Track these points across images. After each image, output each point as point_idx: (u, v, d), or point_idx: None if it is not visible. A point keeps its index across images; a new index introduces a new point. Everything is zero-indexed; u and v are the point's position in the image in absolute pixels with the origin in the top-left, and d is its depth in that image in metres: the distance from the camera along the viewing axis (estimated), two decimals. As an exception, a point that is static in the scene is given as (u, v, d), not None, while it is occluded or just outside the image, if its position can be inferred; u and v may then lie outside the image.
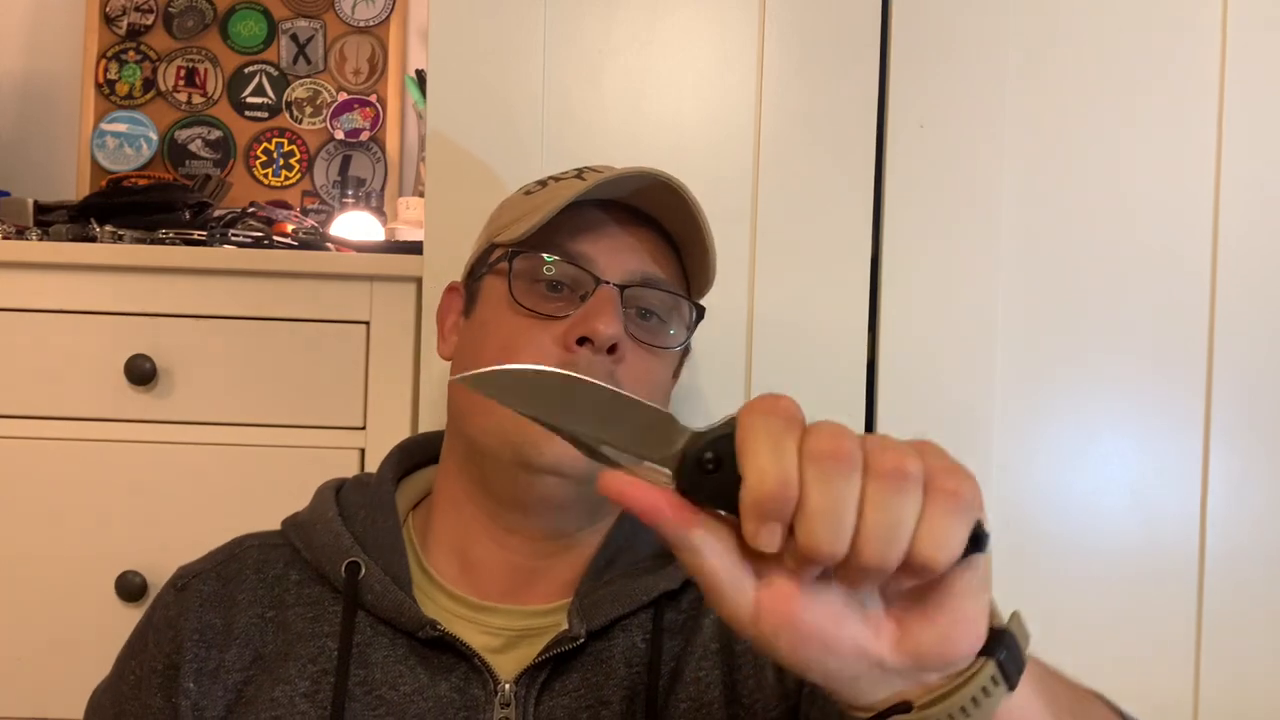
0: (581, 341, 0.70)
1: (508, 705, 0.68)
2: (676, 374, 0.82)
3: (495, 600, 0.74)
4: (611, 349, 0.70)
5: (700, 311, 0.78)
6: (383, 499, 0.77)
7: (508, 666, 0.70)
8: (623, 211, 0.76)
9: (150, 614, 0.76)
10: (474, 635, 0.71)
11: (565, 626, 0.70)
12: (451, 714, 0.68)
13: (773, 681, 0.71)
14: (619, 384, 0.70)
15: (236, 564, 0.76)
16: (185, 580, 0.75)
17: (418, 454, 0.83)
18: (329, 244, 1.24)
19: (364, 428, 1.11)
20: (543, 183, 0.78)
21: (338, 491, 0.79)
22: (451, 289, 0.82)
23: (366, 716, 0.68)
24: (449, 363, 0.81)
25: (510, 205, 0.80)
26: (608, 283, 0.72)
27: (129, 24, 1.65)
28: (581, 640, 0.69)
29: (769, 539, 0.40)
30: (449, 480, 0.78)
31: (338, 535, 0.74)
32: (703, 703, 0.70)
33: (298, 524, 0.77)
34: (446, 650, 0.70)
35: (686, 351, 0.82)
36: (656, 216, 0.77)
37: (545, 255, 0.73)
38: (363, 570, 0.71)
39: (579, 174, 0.77)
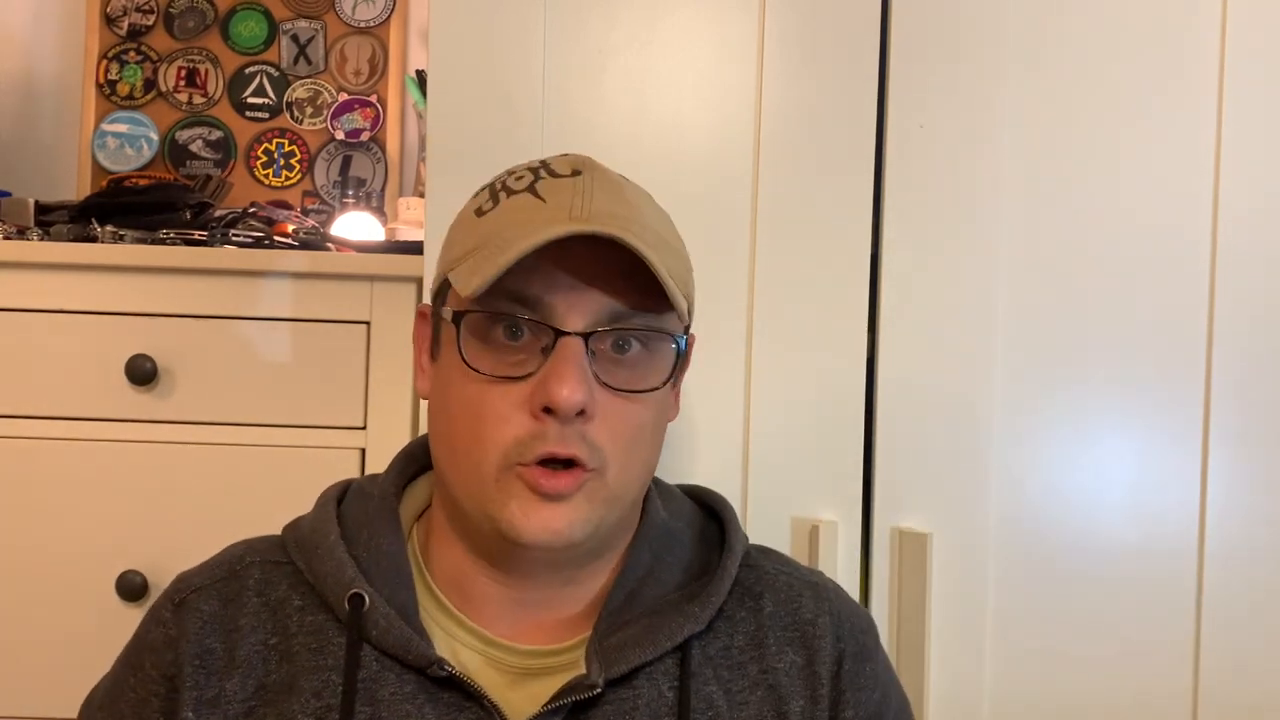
0: (549, 409, 0.64)
1: None
2: (676, 384, 0.75)
3: (505, 638, 0.70)
4: (580, 411, 0.64)
5: (681, 343, 0.70)
6: (387, 515, 0.73)
7: (519, 704, 0.66)
8: (584, 237, 0.66)
9: (146, 629, 0.72)
10: (483, 669, 0.68)
11: (581, 669, 0.67)
12: None
13: None
14: (595, 444, 0.65)
15: (237, 584, 0.71)
16: (183, 595, 0.71)
17: (422, 457, 0.78)
18: (329, 244, 1.24)
19: (364, 428, 1.11)
20: (495, 195, 0.70)
21: (339, 502, 0.75)
22: (421, 315, 0.76)
23: None
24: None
25: (463, 227, 0.71)
26: (568, 333, 0.65)
27: (129, 24, 1.66)
28: (599, 689, 0.65)
29: None
30: (441, 513, 0.73)
31: (340, 564, 0.69)
32: None
33: (300, 542, 0.73)
34: (455, 689, 0.67)
35: (684, 360, 0.75)
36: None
37: (495, 312, 0.66)
38: (367, 603, 0.67)
39: (534, 184, 0.69)
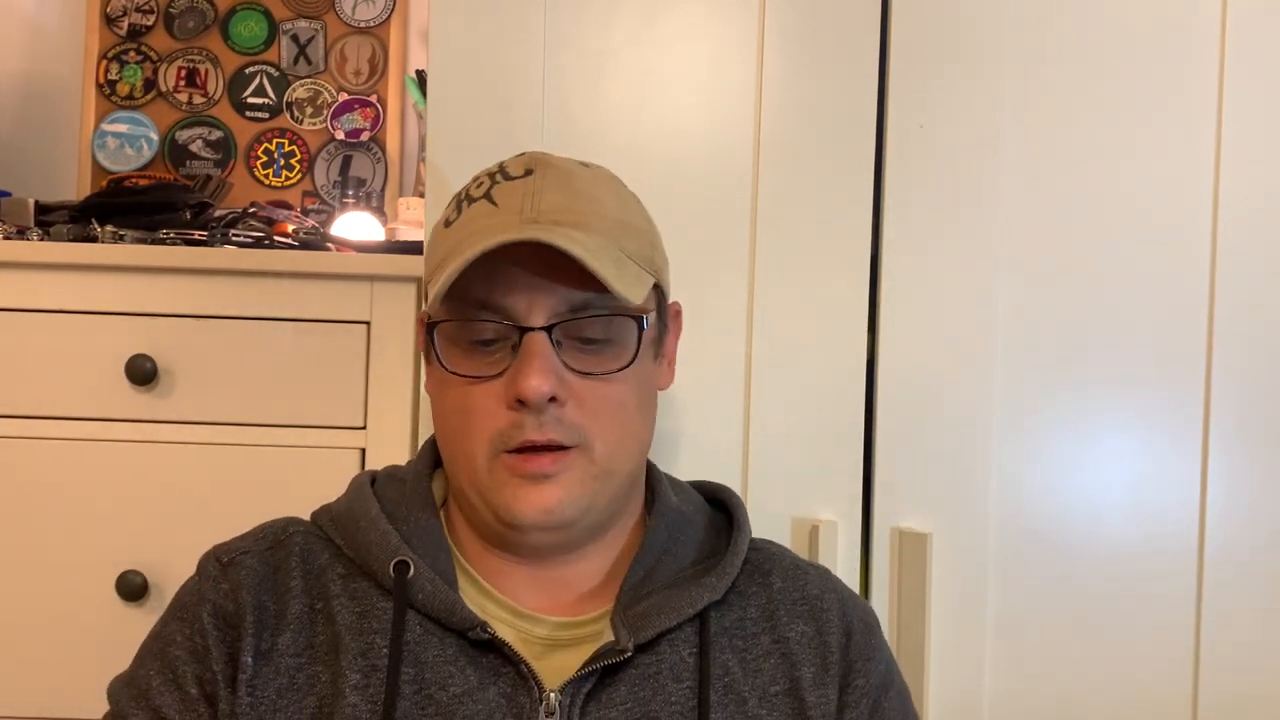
0: (522, 401, 0.68)
1: (552, 715, 0.68)
2: (664, 356, 0.78)
3: (531, 609, 0.74)
4: (552, 398, 0.68)
5: (643, 321, 0.72)
6: (422, 495, 0.76)
7: (546, 674, 0.69)
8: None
9: (193, 589, 0.74)
10: (517, 644, 0.71)
11: (610, 637, 0.70)
12: (499, 718, 0.68)
13: None
14: (572, 425, 0.69)
15: (284, 551, 0.75)
16: (231, 556, 0.74)
17: None
18: (329, 244, 1.24)
19: (364, 428, 1.11)
20: (459, 204, 0.74)
21: (372, 486, 0.79)
22: (420, 321, 0.78)
23: (415, 715, 0.68)
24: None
25: (434, 240, 0.76)
26: (532, 329, 0.69)
27: (130, 24, 1.66)
28: (629, 653, 0.69)
29: None
30: (454, 500, 0.78)
31: (385, 534, 0.73)
32: None
33: (337, 520, 0.76)
34: (494, 653, 0.70)
35: (664, 329, 0.78)
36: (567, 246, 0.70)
37: (462, 320, 0.70)
38: (411, 569, 0.71)
39: (490, 190, 0.72)
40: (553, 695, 0.68)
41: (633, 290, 0.70)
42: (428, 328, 0.73)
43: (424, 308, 0.78)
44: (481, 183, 0.74)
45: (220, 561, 0.74)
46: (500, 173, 0.74)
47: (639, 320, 0.72)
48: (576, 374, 0.70)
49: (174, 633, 0.72)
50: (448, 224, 0.74)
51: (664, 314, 0.78)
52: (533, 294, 0.69)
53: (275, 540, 0.76)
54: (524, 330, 0.69)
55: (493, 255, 0.68)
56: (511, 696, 0.68)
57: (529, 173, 0.73)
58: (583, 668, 0.69)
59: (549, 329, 0.69)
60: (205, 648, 0.70)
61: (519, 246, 0.68)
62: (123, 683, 0.73)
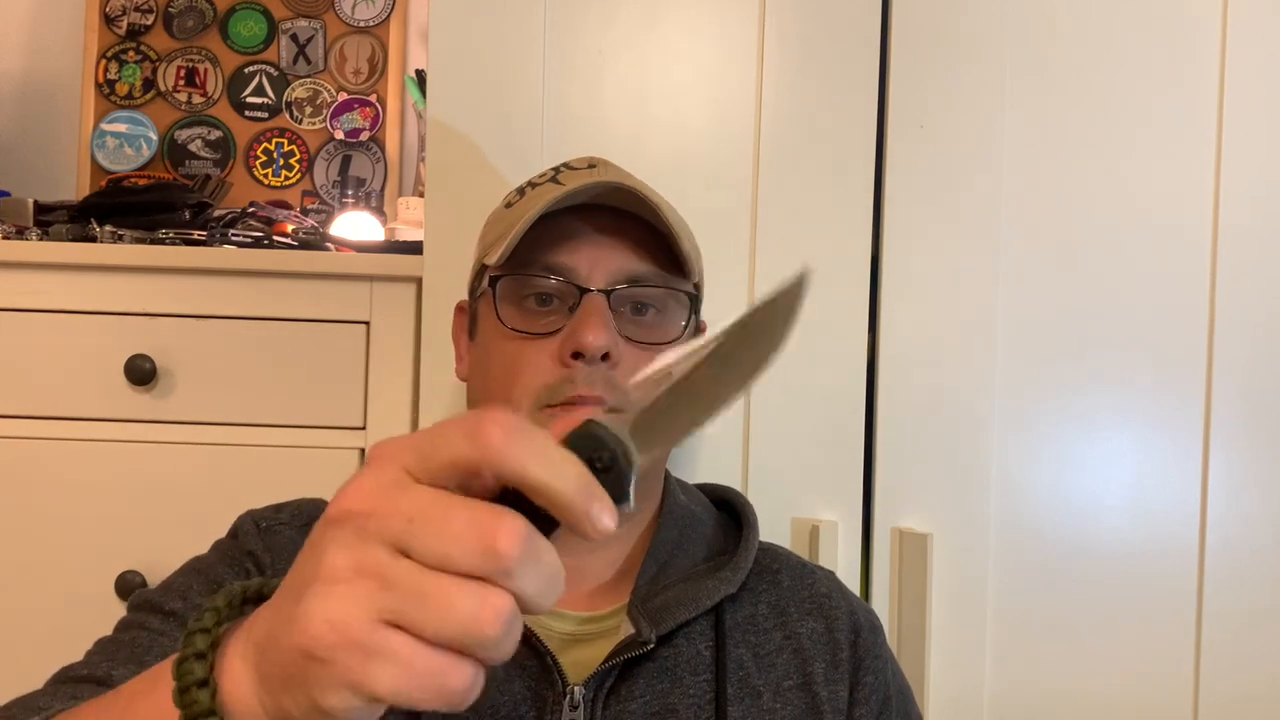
0: (577, 355, 0.71)
1: (576, 708, 0.68)
2: None
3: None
4: (605, 356, 0.71)
5: (695, 297, 0.78)
6: None
7: (568, 668, 0.70)
8: (603, 211, 0.75)
9: (235, 542, 0.77)
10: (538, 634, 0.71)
11: (631, 630, 0.71)
12: (523, 712, 0.68)
13: None
14: (617, 388, 0.71)
15: None
16: (269, 523, 0.77)
17: None
18: (329, 244, 1.24)
19: (364, 428, 1.11)
20: (521, 191, 0.79)
21: None
22: (460, 309, 0.84)
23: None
24: (464, 382, 0.82)
25: (494, 221, 0.80)
26: (592, 290, 0.72)
27: (129, 24, 1.65)
28: (651, 645, 0.70)
29: None
30: None
31: None
32: None
33: None
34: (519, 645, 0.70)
35: (699, 331, 0.81)
36: (634, 210, 0.76)
37: (526, 275, 0.74)
38: None
39: (555, 176, 0.77)
40: (577, 689, 0.68)
41: (691, 260, 0.75)
42: (491, 282, 0.74)
43: (471, 287, 0.81)
44: (544, 173, 0.79)
45: (259, 525, 0.77)
46: (563, 166, 0.79)
47: (691, 297, 0.77)
48: (628, 341, 0.73)
49: (214, 561, 0.75)
50: (509, 205, 0.78)
51: (697, 323, 0.81)
52: (595, 256, 0.73)
53: (310, 518, 0.77)
54: (584, 291, 0.72)
55: (560, 221, 0.73)
56: (535, 690, 0.69)
57: (593, 166, 0.78)
58: (606, 660, 0.69)
59: (608, 293, 0.73)
60: (248, 574, 0.72)
61: (587, 218, 0.73)
62: (151, 592, 0.75)
